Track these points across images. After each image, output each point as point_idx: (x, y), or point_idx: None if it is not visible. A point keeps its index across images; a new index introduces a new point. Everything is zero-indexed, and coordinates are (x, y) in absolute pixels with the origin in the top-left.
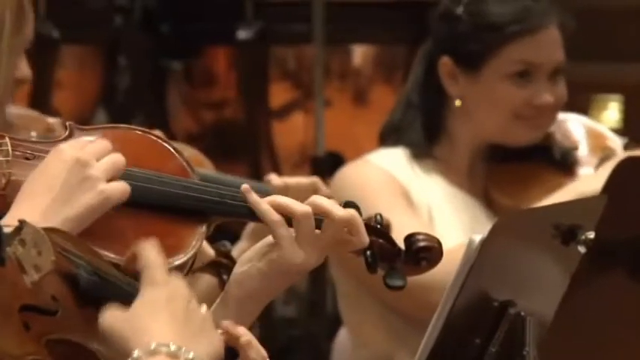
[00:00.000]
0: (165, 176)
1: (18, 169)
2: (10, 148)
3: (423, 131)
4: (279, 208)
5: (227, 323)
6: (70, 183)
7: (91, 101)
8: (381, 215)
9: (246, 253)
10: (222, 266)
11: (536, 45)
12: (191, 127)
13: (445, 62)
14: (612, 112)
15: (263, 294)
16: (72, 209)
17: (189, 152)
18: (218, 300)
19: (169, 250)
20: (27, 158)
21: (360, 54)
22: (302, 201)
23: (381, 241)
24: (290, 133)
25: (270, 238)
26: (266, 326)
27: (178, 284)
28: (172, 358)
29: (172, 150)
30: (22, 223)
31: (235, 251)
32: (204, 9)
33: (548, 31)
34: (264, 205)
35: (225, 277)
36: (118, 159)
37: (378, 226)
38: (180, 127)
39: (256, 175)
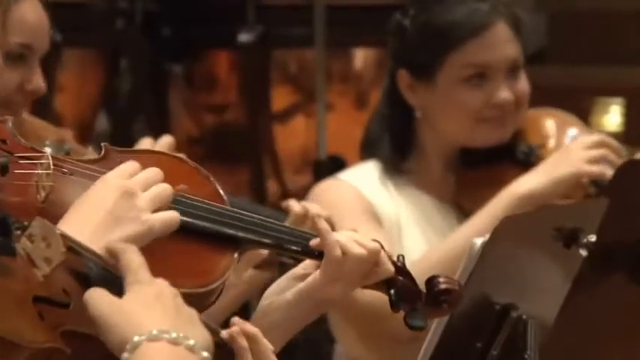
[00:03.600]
0: (208, 203)
1: (58, 183)
2: (50, 162)
3: (392, 145)
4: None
5: (236, 319)
6: (116, 211)
7: (93, 104)
8: (403, 257)
9: (272, 286)
10: (287, 268)
11: (483, 46)
12: (192, 130)
13: (402, 75)
14: (614, 115)
15: (289, 325)
16: (115, 236)
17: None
18: None
19: (202, 275)
20: (65, 173)
21: (361, 57)
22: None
23: (404, 280)
24: (292, 136)
25: (295, 272)
26: None
27: (162, 282)
28: (174, 344)
29: (207, 176)
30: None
31: None
32: (205, 12)
33: (495, 29)
34: (333, 237)
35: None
36: (164, 190)
37: (401, 265)
38: (181, 130)
39: (258, 178)
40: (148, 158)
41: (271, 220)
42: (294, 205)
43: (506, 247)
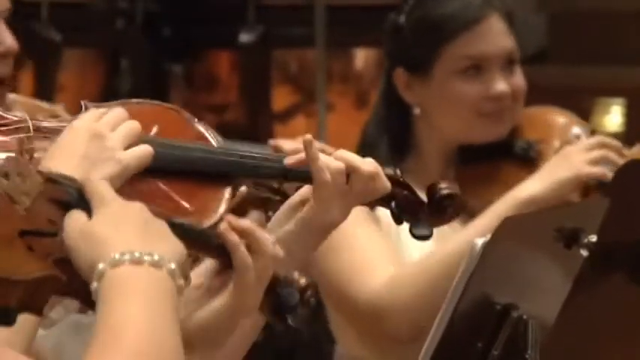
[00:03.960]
0: (185, 141)
1: (40, 145)
2: (30, 125)
3: (390, 145)
4: (329, 164)
5: (229, 217)
6: (88, 155)
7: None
8: (399, 170)
9: (271, 221)
10: (270, 202)
11: (477, 38)
12: None
13: (398, 73)
14: (615, 115)
15: (295, 255)
16: (92, 179)
17: None
18: None
19: (195, 214)
20: (46, 137)
21: (361, 57)
22: None
23: (404, 192)
24: (292, 136)
25: (292, 201)
26: (269, 330)
27: (127, 201)
28: (136, 264)
29: (190, 118)
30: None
31: None
32: (205, 12)
33: (489, 21)
34: (321, 161)
35: (271, 213)
36: (132, 126)
37: (400, 179)
38: None
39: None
40: (128, 107)
41: (256, 152)
42: (285, 144)
43: (507, 248)
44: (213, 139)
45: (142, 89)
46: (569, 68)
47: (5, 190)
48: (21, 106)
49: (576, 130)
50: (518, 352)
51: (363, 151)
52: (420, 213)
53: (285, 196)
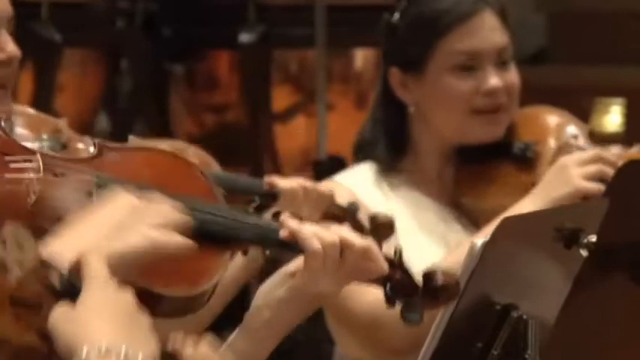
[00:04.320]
0: (201, 202)
1: (47, 186)
2: (41, 165)
3: (387, 145)
4: (322, 235)
5: (175, 334)
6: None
7: (93, 104)
8: (400, 250)
9: (264, 285)
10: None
11: (470, 33)
12: (193, 130)
13: (393, 72)
14: (614, 115)
15: (280, 324)
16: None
17: (194, 152)
18: (237, 330)
19: (195, 276)
20: (56, 175)
21: (362, 58)
22: (311, 208)
23: (400, 275)
24: (292, 136)
25: (287, 268)
26: None
27: (121, 289)
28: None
29: (198, 172)
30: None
31: None
32: (206, 12)
33: (482, 17)
34: (307, 232)
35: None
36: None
37: (398, 260)
38: (182, 130)
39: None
40: (141, 156)
41: (254, 217)
42: (282, 183)
43: (507, 248)
44: (218, 197)
45: (143, 89)
46: (568, 68)
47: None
48: (24, 119)
49: (572, 129)
50: (518, 352)
51: (359, 151)
52: (413, 297)
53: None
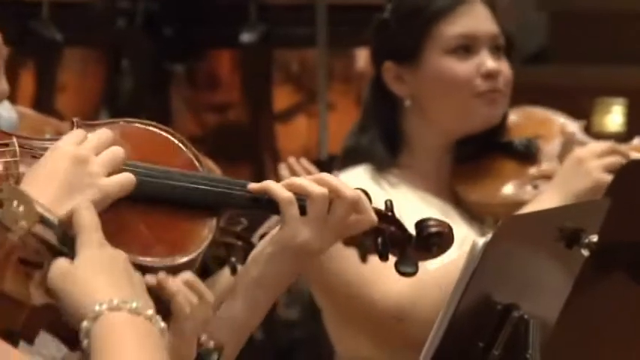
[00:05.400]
0: (171, 170)
1: (27, 168)
2: (17, 149)
3: (382, 144)
4: (293, 188)
5: (161, 275)
6: (69, 180)
7: (94, 104)
8: (391, 202)
9: (256, 248)
10: (233, 248)
11: (464, 16)
12: (194, 130)
13: (387, 67)
14: (616, 115)
15: (271, 280)
16: (71, 204)
17: None
18: (228, 291)
19: (179, 245)
20: (34, 157)
21: (363, 57)
22: None
23: (392, 227)
24: (293, 136)
25: (275, 231)
26: (268, 329)
27: (112, 248)
28: (135, 314)
29: (180, 143)
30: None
31: None
32: (207, 12)
33: (473, 4)
34: (275, 184)
35: (234, 259)
36: (117, 152)
37: (389, 213)
38: (183, 130)
39: (259, 177)
40: (117, 128)
41: (237, 181)
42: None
43: (508, 247)
44: (201, 165)
45: (144, 89)
46: (569, 68)
47: (0, 218)
48: (28, 121)
49: (571, 125)
50: (519, 352)
51: (351, 156)
52: (406, 248)
53: (249, 243)
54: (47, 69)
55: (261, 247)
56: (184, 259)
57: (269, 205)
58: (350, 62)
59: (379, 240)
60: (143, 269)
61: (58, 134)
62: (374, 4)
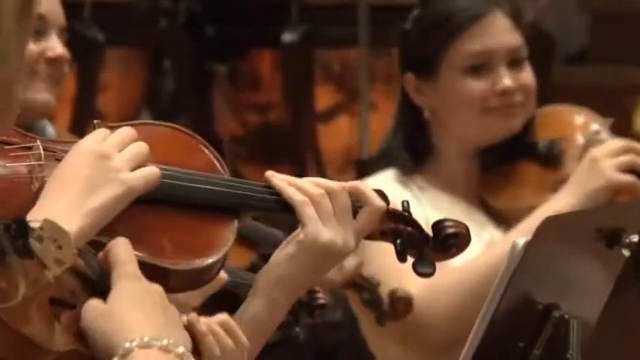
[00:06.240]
0: (193, 172)
1: (50, 172)
2: (42, 152)
3: (409, 151)
4: (306, 188)
5: (192, 315)
6: (93, 176)
7: (136, 104)
8: (408, 202)
9: (278, 248)
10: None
11: (481, 34)
12: (236, 130)
13: (408, 79)
14: None
15: (291, 281)
16: (97, 200)
17: None
18: (248, 296)
19: (201, 248)
20: (58, 160)
21: None
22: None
23: (409, 228)
24: (335, 136)
25: (294, 233)
26: (311, 330)
27: (148, 281)
28: (165, 352)
29: (201, 145)
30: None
31: None
32: (249, 12)
33: (493, 18)
34: (289, 187)
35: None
36: (140, 148)
37: (406, 214)
38: (225, 130)
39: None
40: (139, 129)
41: (256, 183)
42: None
43: (549, 247)
44: (223, 167)
45: (185, 89)
46: (611, 68)
47: (37, 253)
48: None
49: (595, 125)
50: (560, 352)
51: (382, 160)
52: (424, 249)
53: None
54: (89, 69)
55: (283, 248)
56: (207, 262)
57: (288, 207)
58: (391, 62)
59: (398, 241)
60: (165, 272)
61: None
62: (415, 4)
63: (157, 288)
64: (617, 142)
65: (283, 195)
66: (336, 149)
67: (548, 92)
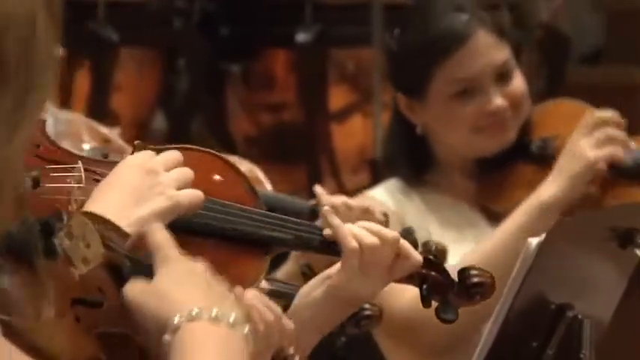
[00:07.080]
0: (231, 205)
1: (90, 192)
2: (82, 174)
3: (407, 162)
4: (361, 237)
5: (237, 289)
6: (141, 188)
7: (150, 104)
8: (435, 245)
9: (305, 287)
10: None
11: (465, 59)
12: (250, 130)
13: (399, 98)
14: None
15: (319, 323)
16: (144, 210)
17: (246, 167)
18: None
19: (234, 281)
20: (97, 181)
21: None
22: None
23: (435, 274)
24: (349, 136)
25: (328, 271)
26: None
27: (190, 259)
28: (214, 323)
29: (239, 175)
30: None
31: (280, 273)
32: (263, 12)
33: (475, 39)
34: (345, 229)
35: None
36: (186, 171)
37: (433, 258)
38: (238, 130)
39: (315, 178)
40: (184, 154)
41: (292, 219)
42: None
43: (562, 247)
44: (258, 198)
45: (199, 89)
46: (624, 67)
47: (66, 250)
48: (74, 125)
49: (587, 119)
50: (573, 352)
51: (385, 167)
52: (449, 295)
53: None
54: (103, 69)
55: (311, 289)
56: None
57: (326, 248)
58: None
59: (424, 287)
60: None
61: (104, 142)
62: None
63: (201, 265)
64: (588, 119)
65: (338, 236)
66: (350, 149)
67: (562, 92)
